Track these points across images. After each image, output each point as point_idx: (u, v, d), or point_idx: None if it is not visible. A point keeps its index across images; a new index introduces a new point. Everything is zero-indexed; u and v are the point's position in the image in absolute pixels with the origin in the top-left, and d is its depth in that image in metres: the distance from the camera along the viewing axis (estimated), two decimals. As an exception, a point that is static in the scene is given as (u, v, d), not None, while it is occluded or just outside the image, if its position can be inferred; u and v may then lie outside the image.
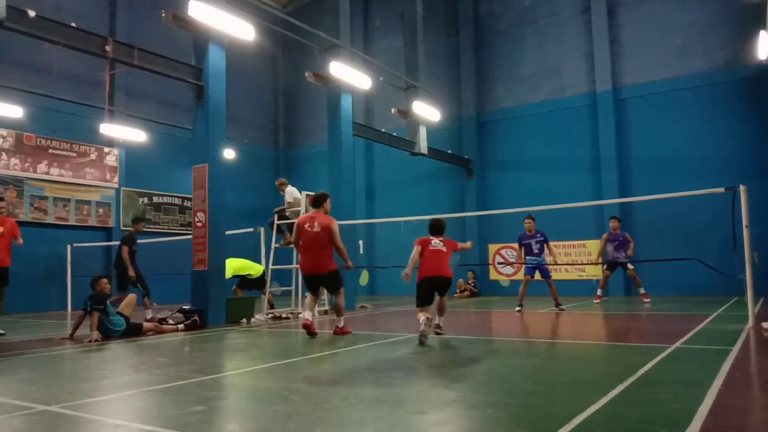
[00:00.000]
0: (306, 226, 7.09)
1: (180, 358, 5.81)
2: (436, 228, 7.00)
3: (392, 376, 4.30)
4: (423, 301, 6.56)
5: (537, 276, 10.61)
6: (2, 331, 8.41)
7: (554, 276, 11.04)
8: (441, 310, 7.01)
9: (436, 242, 6.81)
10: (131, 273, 10.13)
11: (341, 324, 7.30)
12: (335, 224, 7.18)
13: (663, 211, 13.98)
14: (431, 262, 6.65)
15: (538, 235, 10.57)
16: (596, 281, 13.27)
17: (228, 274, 10.18)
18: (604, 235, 11.90)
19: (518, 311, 10.26)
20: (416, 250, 6.78)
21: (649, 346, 5.62)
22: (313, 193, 7.99)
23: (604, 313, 9.98)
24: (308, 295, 7.42)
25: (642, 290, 11.53)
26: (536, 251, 10.47)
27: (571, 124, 16.08)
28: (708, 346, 5.58)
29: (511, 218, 15.55)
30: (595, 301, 11.85)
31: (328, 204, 7.44)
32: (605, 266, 11.92)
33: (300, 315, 10.29)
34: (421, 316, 6.24)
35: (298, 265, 11.19)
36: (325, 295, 10.88)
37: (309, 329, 6.96)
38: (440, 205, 17.25)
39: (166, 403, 3.64)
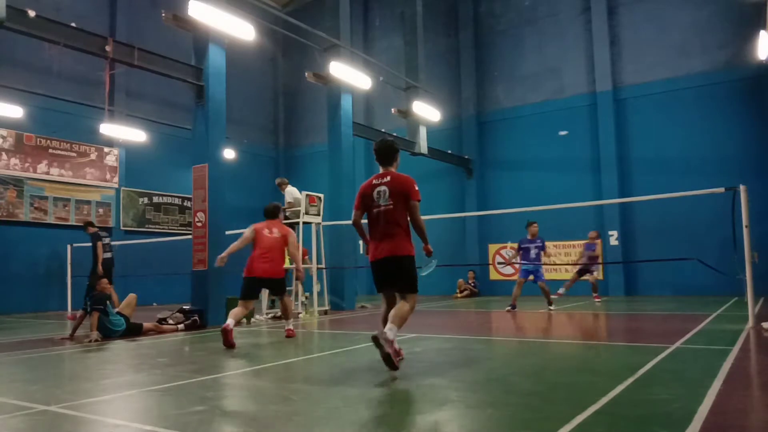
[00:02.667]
0: (265, 231, 7.03)
1: (180, 358, 5.81)
2: (268, 212, 7.13)
3: (392, 376, 4.30)
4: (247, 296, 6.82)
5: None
6: None
7: (554, 276, 11.05)
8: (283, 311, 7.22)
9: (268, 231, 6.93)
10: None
11: (290, 326, 7.19)
12: (293, 236, 7.26)
13: (663, 211, 13.99)
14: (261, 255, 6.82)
15: (538, 241, 10.62)
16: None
17: None
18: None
19: (509, 311, 10.26)
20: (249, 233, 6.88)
21: (649, 346, 5.62)
22: (267, 204, 7.78)
23: (604, 313, 9.98)
24: (242, 302, 6.86)
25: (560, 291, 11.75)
26: (533, 256, 10.50)
27: (571, 124, 16.08)
28: (708, 346, 5.58)
29: (511, 218, 15.58)
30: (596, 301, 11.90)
31: (282, 215, 7.55)
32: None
33: (300, 315, 10.32)
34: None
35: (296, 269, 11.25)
36: (306, 295, 10.90)
37: (227, 337, 6.18)
38: (440, 205, 17.25)
39: (166, 403, 3.64)
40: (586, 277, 12.03)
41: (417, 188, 4.68)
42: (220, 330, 6.22)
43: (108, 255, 11.12)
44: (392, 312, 4.50)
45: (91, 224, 11.55)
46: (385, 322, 4.63)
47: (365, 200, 4.79)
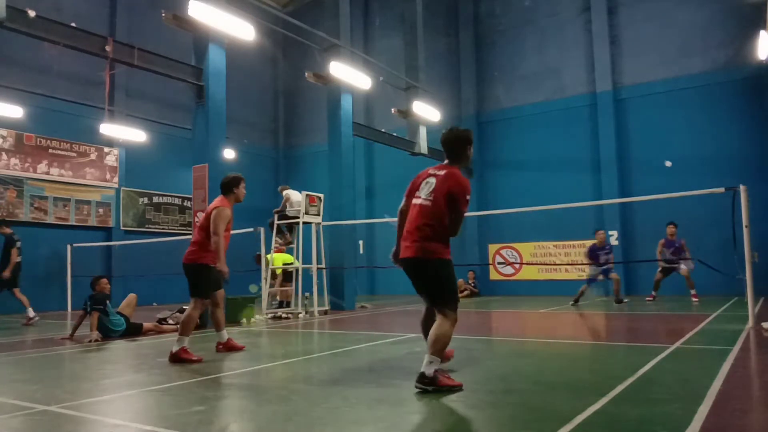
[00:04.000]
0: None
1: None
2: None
3: (392, 376, 4.30)
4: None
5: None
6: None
7: (554, 276, 11.07)
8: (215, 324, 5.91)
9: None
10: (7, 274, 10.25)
11: (185, 345, 5.41)
12: (220, 210, 5.56)
13: (663, 211, 13.97)
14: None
15: (607, 247, 11.45)
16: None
17: (278, 263, 11.01)
18: (661, 241, 12.05)
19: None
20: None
21: (649, 346, 5.62)
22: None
23: (604, 313, 9.98)
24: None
25: (693, 291, 11.64)
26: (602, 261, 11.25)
27: (571, 124, 16.08)
28: (708, 346, 5.58)
29: (511, 218, 15.60)
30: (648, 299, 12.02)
31: (241, 190, 6.00)
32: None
33: (300, 315, 10.32)
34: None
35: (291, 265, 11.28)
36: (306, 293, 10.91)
37: (232, 347, 5.73)
38: (440, 205, 17.24)
39: (166, 403, 3.64)
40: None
41: (468, 198, 4.01)
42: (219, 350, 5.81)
43: (19, 259, 10.54)
44: (429, 336, 3.85)
45: (5, 223, 11.00)
46: (424, 330, 4.17)
47: (413, 189, 4.18)
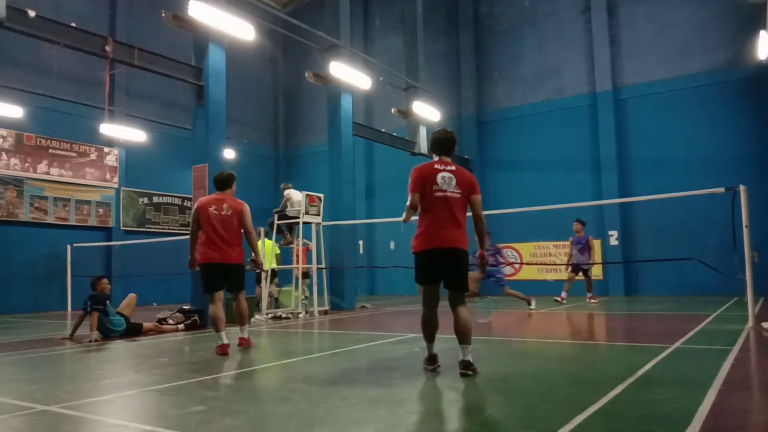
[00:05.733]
0: (212, 209, 5.82)
1: (180, 358, 5.80)
2: (219, 182, 6.04)
3: (392, 376, 4.30)
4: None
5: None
6: None
7: (554, 276, 11.08)
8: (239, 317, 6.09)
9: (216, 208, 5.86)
10: None
11: (245, 334, 6.07)
12: (247, 208, 6.05)
13: (663, 211, 13.99)
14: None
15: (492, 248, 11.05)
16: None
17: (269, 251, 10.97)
18: (570, 239, 11.95)
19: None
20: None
21: (649, 346, 5.62)
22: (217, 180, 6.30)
23: (604, 313, 9.97)
24: (216, 296, 5.86)
25: (590, 294, 11.75)
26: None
27: (571, 124, 16.08)
28: (708, 346, 5.58)
29: (511, 218, 15.59)
30: (556, 298, 11.81)
31: (234, 186, 6.21)
32: (570, 269, 11.86)
33: (300, 315, 10.32)
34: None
35: (295, 265, 11.29)
36: (305, 291, 10.88)
37: (225, 351, 5.66)
38: (440, 205, 17.24)
39: (166, 403, 3.64)
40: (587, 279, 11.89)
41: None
42: (219, 347, 5.68)
43: None
44: (460, 329, 4.22)
45: None
46: (430, 329, 4.41)
47: (426, 184, 4.33)
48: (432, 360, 4.48)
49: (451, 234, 4.28)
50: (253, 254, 6.29)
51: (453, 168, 4.42)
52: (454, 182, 4.35)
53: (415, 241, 4.39)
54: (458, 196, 4.33)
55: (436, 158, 4.56)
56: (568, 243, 12.09)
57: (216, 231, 5.78)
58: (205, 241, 5.79)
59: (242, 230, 6.00)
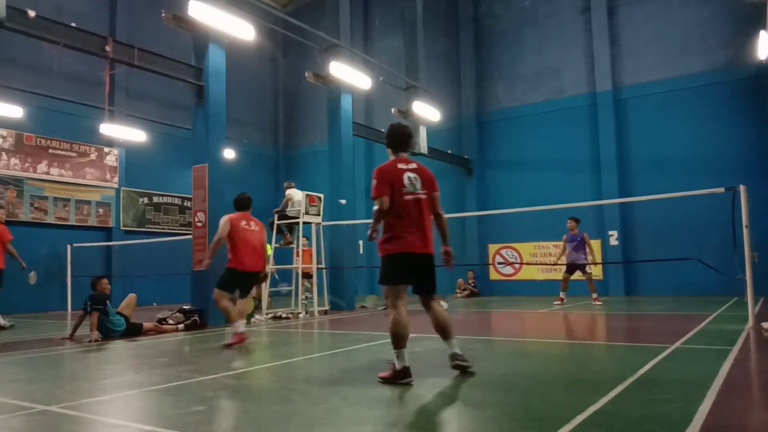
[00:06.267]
0: (242, 223, 6.70)
1: (180, 358, 5.81)
2: (242, 204, 6.87)
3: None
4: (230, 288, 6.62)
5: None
6: (10, 323, 8.77)
7: (554, 276, 11.08)
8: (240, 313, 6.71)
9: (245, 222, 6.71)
10: None
11: (241, 330, 6.57)
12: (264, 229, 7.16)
13: (663, 211, 13.98)
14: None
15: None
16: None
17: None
18: (564, 237, 11.58)
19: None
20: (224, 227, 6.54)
21: (649, 346, 5.62)
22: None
23: (604, 313, 9.97)
24: (236, 300, 6.74)
25: (595, 295, 11.35)
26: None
27: (571, 124, 16.08)
28: (708, 346, 5.58)
29: (511, 218, 15.60)
30: (555, 303, 11.48)
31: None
32: (565, 269, 11.54)
33: (300, 315, 10.32)
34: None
35: (296, 266, 11.29)
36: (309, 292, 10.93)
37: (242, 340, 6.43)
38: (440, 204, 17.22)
39: (166, 403, 3.64)
40: (586, 276, 11.57)
41: None
42: (236, 336, 6.35)
43: None
44: (441, 325, 4.28)
45: None
46: (407, 333, 4.06)
47: (393, 186, 4.19)
48: (407, 372, 3.97)
49: (426, 238, 4.23)
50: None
51: (415, 166, 4.35)
52: (419, 183, 4.29)
53: (386, 244, 4.21)
54: (425, 197, 4.29)
55: (393, 156, 4.44)
56: (561, 242, 11.70)
57: (249, 244, 6.63)
58: (240, 250, 6.57)
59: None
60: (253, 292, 10.71)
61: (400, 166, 4.33)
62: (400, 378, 3.94)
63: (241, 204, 6.86)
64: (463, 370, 4.21)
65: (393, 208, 4.18)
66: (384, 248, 4.24)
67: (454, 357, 4.24)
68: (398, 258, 4.17)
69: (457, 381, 4.08)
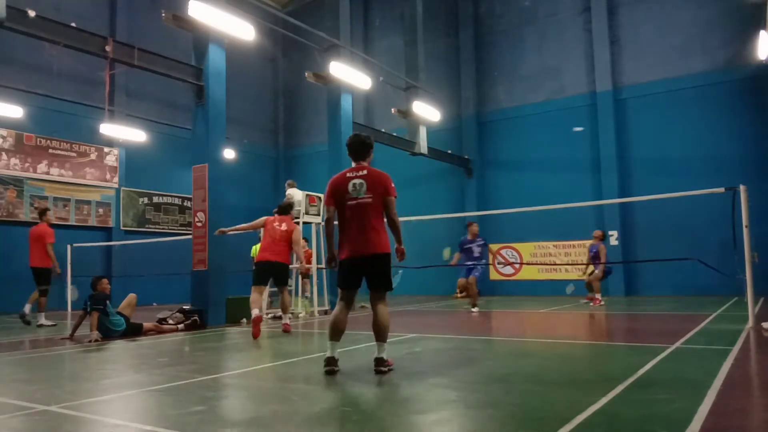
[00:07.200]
0: (275, 224, 7.80)
1: (180, 358, 5.81)
2: (282, 208, 8.02)
3: (392, 376, 4.30)
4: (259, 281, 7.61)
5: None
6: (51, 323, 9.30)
7: (554, 276, 11.09)
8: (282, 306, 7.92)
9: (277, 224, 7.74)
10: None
11: (287, 321, 7.84)
12: (298, 231, 8.04)
13: (663, 211, 13.98)
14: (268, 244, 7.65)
15: (480, 239, 11.10)
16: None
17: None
18: (588, 246, 11.73)
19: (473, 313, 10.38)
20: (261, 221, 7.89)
21: (649, 346, 5.62)
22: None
23: (604, 313, 9.97)
24: (255, 288, 7.64)
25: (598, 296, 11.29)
26: (476, 254, 10.94)
27: (571, 124, 16.08)
28: (708, 346, 5.58)
29: (511, 218, 15.60)
30: (591, 303, 11.41)
31: (293, 213, 8.44)
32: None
33: (300, 315, 10.32)
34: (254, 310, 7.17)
35: (298, 265, 11.28)
36: (306, 293, 10.95)
37: (257, 326, 7.05)
38: (440, 205, 17.26)
39: (166, 403, 3.64)
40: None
41: (393, 185, 4.57)
42: (252, 320, 7.04)
43: None
44: (376, 327, 4.39)
45: None
46: (338, 328, 4.44)
47: (338, 194, 4.53)
48: (331, 361, 4.40)
49: (369, 240, 4.39)
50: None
51: (365, 173, 4.52)
52: (364, 188, 4.45)
53: (338, 250, 4.57)
54: (370, 200, 4.43)
55: (354, 164, 4.71)
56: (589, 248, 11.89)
57: (271, 237, 7.69)
58: (262, 244, 7.88)
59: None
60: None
61: (349, 174, 4.61)
62: (326, 365, 4.40)
63: (280, 208, 8.06)
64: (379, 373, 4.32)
65: (340, 215, 4.57)
66: (337, 253, 4.61)
67: (375, 362, 4.37)
68: (345, 264, 4.51)
69: (457, 381, 4.08)
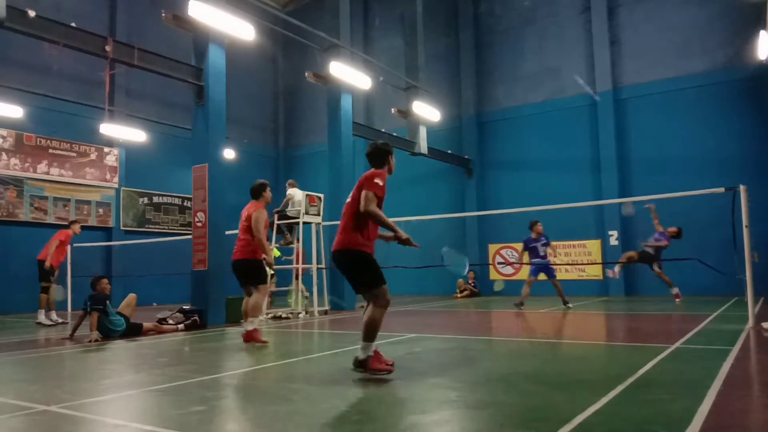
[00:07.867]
0: (243, 214, 6.73)
1: (180, 358, 5.81)
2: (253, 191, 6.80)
3: (392, 376, 4.29)
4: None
5: (542, 276, 10.94)
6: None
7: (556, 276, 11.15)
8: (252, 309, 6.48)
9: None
10: None
11: (250, 327, 6.40)
12: (259, 213, 6.59)
13: (663, 211, 13.92)
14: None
15: (543, 238, 10.89)
16: (598, 280, 13.17)
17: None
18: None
19: (519, 311, 10.40)
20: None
21: (649, 346, 5.62)
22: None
23: (604, 313, 9.98)
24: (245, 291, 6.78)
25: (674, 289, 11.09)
26: (542, 254, 10.76)
27: (571, 124, 16.08)
28: (708, 346, 5.58)
29: (511, 218, 15.58)
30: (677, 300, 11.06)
31: (267, 193, 6.95)
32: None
33: (300, 315, 10.31)
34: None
35: (297, 265, 11.29)
36: (309, 293, 10.92)
37: (256, 339, 6.37)
38: (440, 205, 17.26)
39: (166, 403, 3.64)
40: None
41: (377, 181, 4.38)
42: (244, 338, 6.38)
43: None
44: (364, 326, 4.28)
45: None
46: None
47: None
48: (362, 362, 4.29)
49: (339, 237, 4.47)
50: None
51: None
52: (353, 189, 4.54)
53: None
54: (350, 200, 4.52)
55: None
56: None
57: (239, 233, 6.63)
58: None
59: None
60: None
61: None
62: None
63: (250, 191, 6.86)
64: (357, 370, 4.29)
65: None
66: None
67: (354, 361, 4.33)
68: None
69: (457, 381, 4.08)
